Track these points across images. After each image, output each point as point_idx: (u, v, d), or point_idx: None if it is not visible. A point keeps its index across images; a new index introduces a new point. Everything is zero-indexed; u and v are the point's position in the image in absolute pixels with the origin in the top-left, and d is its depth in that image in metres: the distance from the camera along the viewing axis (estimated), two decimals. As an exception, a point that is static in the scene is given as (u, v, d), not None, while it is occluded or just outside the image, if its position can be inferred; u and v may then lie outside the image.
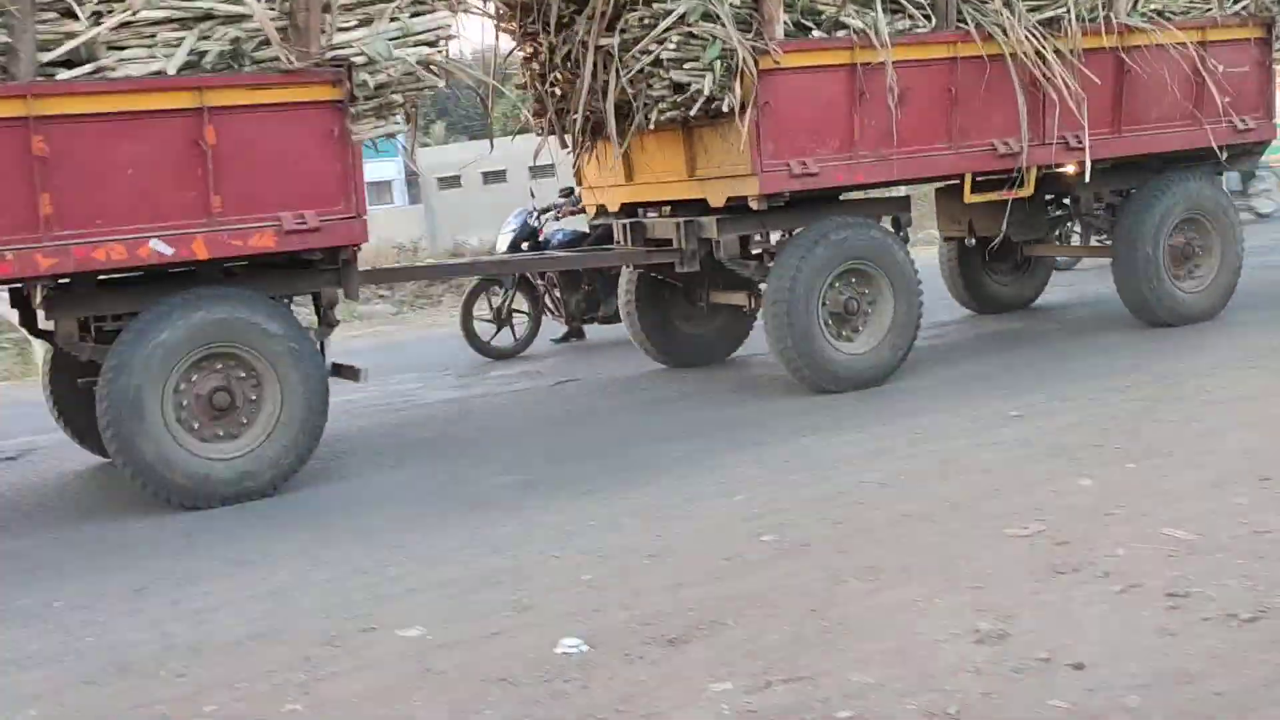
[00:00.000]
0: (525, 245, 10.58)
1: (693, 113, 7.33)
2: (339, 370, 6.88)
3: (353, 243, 6.46)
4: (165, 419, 6.08)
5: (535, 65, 8.55)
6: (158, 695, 3.84)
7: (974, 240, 9.72)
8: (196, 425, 6.21)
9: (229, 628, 4.43)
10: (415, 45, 6.35)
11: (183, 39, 5.87)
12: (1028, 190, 8.35)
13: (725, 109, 7.28)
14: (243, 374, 6.28)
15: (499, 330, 10.72)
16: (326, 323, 6.84)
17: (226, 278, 6.48)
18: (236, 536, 5.72)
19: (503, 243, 10.84)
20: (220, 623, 4.50)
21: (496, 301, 10.66)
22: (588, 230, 10.28)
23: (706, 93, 7.18)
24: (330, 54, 6.15)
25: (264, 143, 6.13)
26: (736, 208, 7.83)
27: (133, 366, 6.00)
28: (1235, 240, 9.10)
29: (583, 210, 9.83)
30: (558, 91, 8.44)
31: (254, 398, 6.32)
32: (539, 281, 10.57)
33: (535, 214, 10.76)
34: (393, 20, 6.28)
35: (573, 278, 10.37)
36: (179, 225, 5.99)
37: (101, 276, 6.30)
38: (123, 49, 5.83)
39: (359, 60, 6.20)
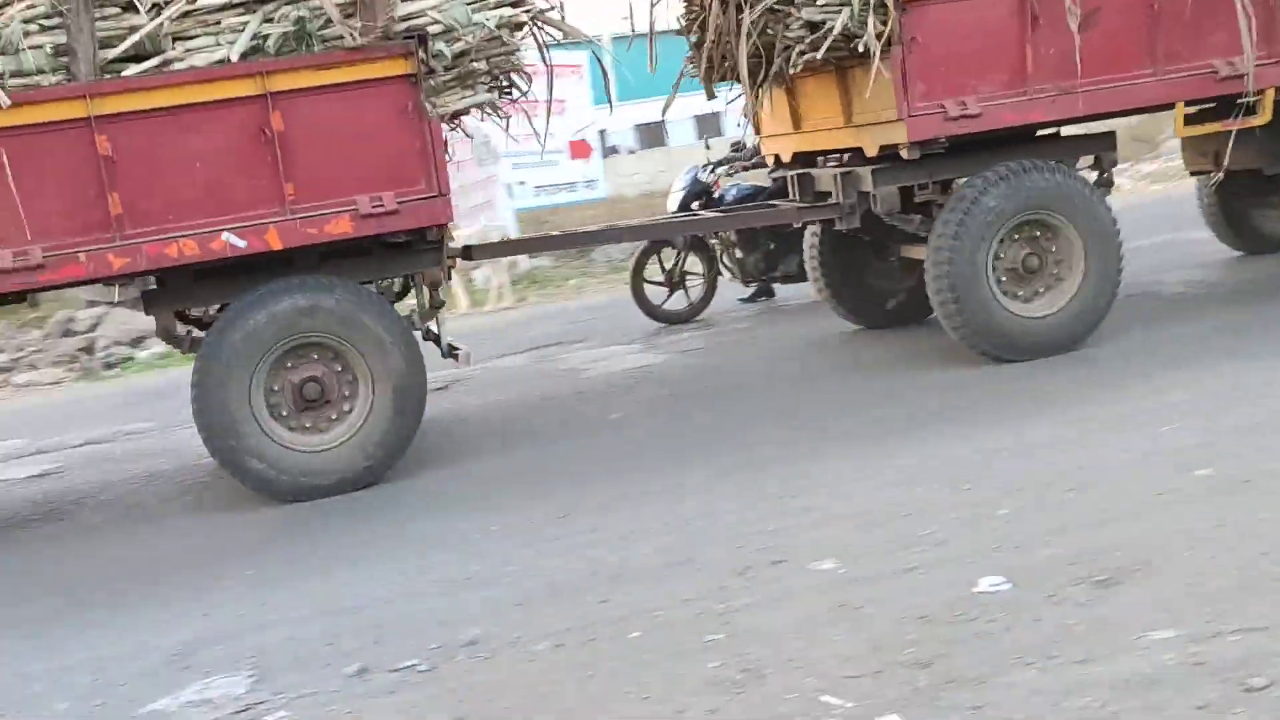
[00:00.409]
0: (696, 204, 9.95)
1: (820, 54, 6.65)
2: (452, 352, 6.80)
3: (434, 223, 6.23)
4: (256, 411, 6.10)
5: (695, 7, 7.94)
6: (586, 618, 4.12)
7: (1222, 175, 7.96)
8: (287, 416, 6.21)
9: (646, 556, 4.67)
10: (496, 7, 6.04)
11: (246, 24, 5.80)
12: (1263, 117, 7.05)
13: (862, 48, 6.56)
14: (336, 364, 6.25)
15: (671, 293, 10.28)
16: (432, 305, 6.70)
17: (324, 263, 6.36)
18: (646, 467, 6.00)
19: (672, 202, 10.22)
20: (638, 550, 4.75)
21: (669, 264, 10.24)
22: (767, 184, 9.67)
23: (838, 30, 6.51)
24: (402, 25, 5.89)
25: (334, 125, 5.99)
26: (898, 155, 7.05)
27: (220, 359, 6.05)
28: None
29: (758, 164, 9.43)
30: (716, 38, 7.69)
31: (347, 388, 6.28)
32: (714, 240, 9.99)
33: (709, 170, 10.13)
34: (468, -17, 5.92)
35: (751, 236, 9.72)
36: (251, 216, 5.94)
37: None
38: (189, 39, 5.76)
39: (434, 29, 5.93)
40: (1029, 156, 7.05)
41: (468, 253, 7.73)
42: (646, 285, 10.19)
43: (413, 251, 6.48)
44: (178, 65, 5.75)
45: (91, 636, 4.60)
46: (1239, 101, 6.97)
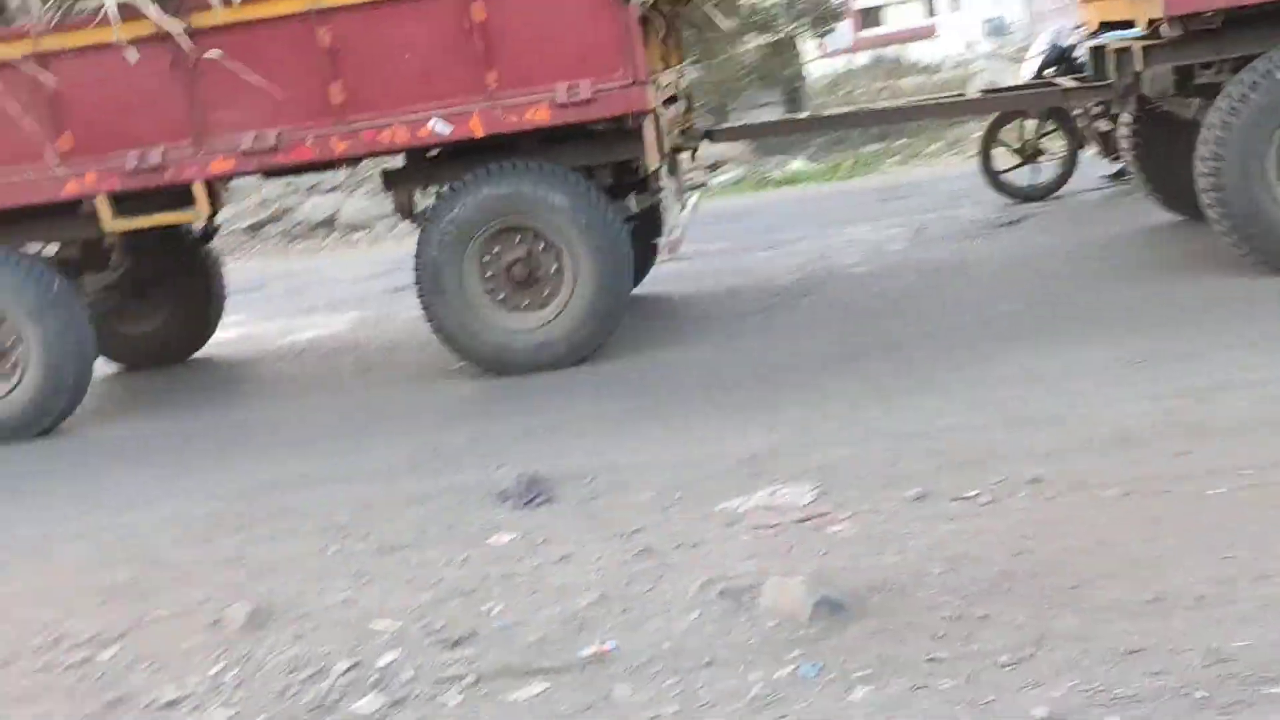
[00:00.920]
0: (1051, 71, 8.78)
1: None
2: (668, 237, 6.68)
3: (630, 111, 6.14)
4: (467, 290, 6.35)
5: None
6: (1159, 469, 3.95)
7: None
8: (502, 296, 6.44)
9: (1233, 409, 4.36)
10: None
11: None
12: None
13: None
14: (542, 247, 6.36)
15: (1022, 166, 9.45)
16: (649, 191, 6.61)
17: (543, 148, 6.43)
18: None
19: (1028, 69, 9.22)
20: (1223, 404, 4.44)
21: (1024, 135, 9.37)
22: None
23: None
24: None
25: (534, 14, 6.08)
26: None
27: (431, 241, 6.35)
28: None
29: None
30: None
31: (555, 270, 6.39)
32: (1077, 110, 8.79)
33: (1072, 32, 8.85)
34: None
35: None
36: (456, 104, 6.16)
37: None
38: None
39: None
40: None
41: (709, 135, 7.81)
42: (998, 156, 9.50)
43: (618, 138, 6.43)
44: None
45: (673, 438, 5.12)
46: None
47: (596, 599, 3.61)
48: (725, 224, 10.28)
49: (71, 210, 6.65)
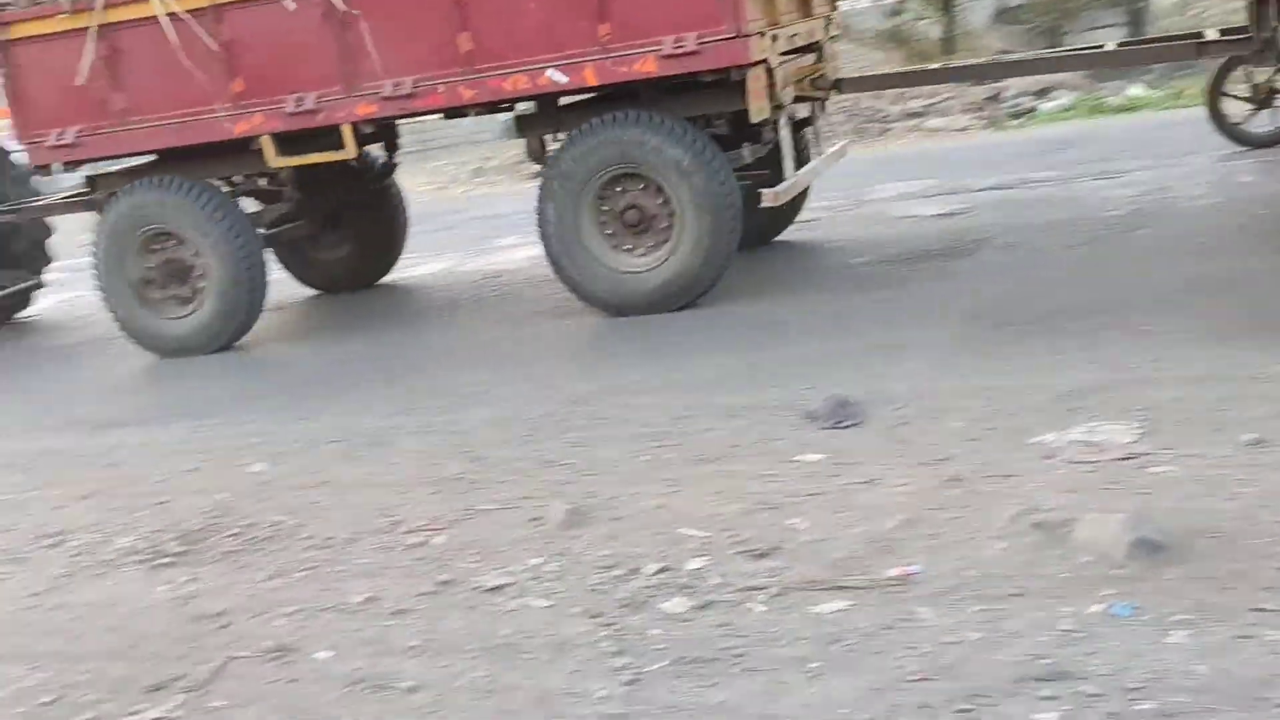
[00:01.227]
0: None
1: None
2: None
3: (733, 63, 6.33)
4: (583, 235, 6.72)
5: None
6: None
7: None
8: (616, 240, 6.77)
9: None
10: None
11: None
12: None
13: None
14: (653, 192, 6.66)
15: (1257, 111, 8.72)
16: (762, 141, 6.85)
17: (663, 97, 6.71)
18: None
19: None
20: None
21: (1258, 78, 8.51)
22: None
23: None
24: None
25: None
26: None
27: (549, 187, 6.78)
28: None
29: None
30: None
31: (665, 215, 6.67)
32: None
33: None
34: None
35: None
36: (571, 55, 6.53)
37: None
38: None
39: None
40: None
41: (838, 85, 7.85)
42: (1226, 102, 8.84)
43: (729, 89, 6.52)
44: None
45: (987, 369, 5.04)
46: None
47: (902, 522, 3.64)
48: (1053, 152, 9.87)
49: (244, 148, 7.27)
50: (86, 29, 7.18)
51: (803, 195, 8.10)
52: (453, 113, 7.40)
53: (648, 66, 6.50)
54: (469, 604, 3.53)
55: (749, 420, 4.82)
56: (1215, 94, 8.97)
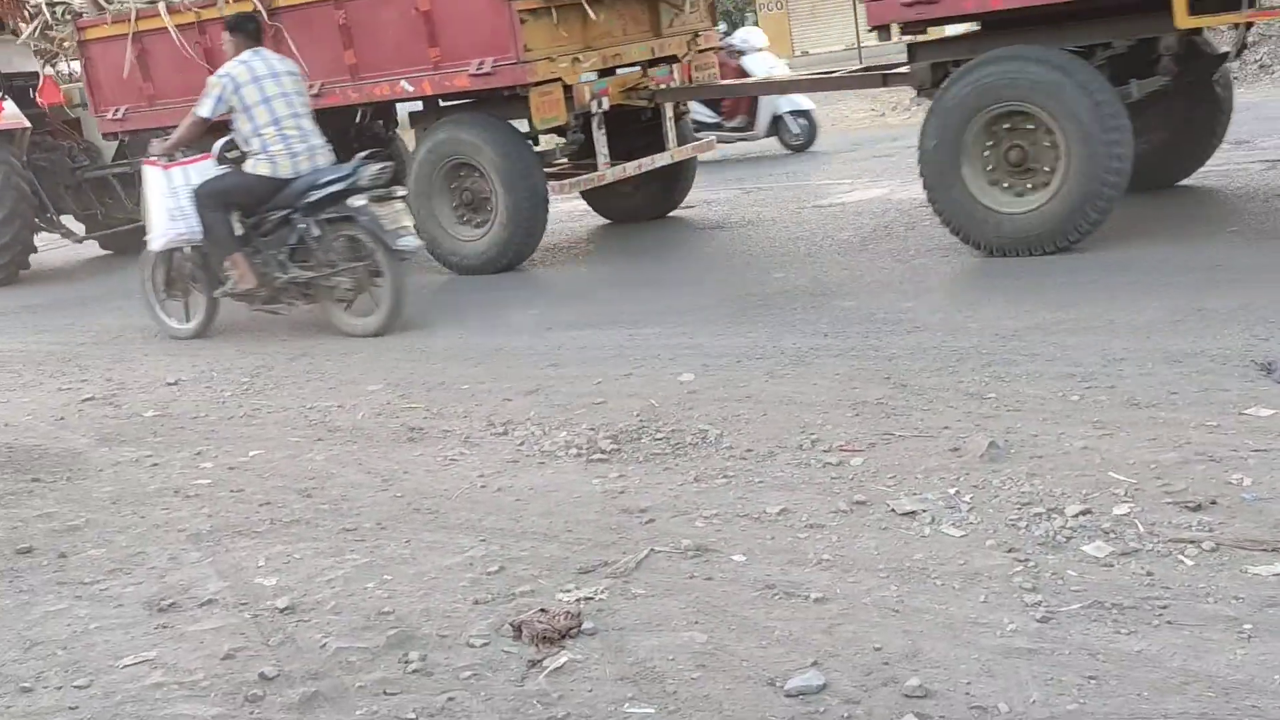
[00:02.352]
0: None
1: None
2: None
3: (518, 82, 7.60)
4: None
5: None
6: None
7: None
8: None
9: None
10: None
11: None
12: None
13: None
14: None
15: None
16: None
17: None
18: None
19: None
20: None
21: None
22: None
23: None
24: None
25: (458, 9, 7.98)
26: None
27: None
28: None
29: None
30: None
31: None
32: None
33: None
34: None
35: None
36: (415, 71, 8.26)
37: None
38: None
39: None
40: None
41: (654, 96, 8.78)
42: None
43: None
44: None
45: None
46: None
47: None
48: None
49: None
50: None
51: (688, 174, 9.82)
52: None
53: (462, 82, 8.17)
54: (882, 525, 3.62)
55: (1192, 367, 4.57)
56: None
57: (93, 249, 12.80)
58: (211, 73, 7.57)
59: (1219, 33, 8.18)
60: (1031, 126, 6.65)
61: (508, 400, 5.41)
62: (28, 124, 11.22)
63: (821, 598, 3.21)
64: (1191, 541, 3.22)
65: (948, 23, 7.55)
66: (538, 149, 8.78)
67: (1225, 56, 7.56)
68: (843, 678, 2.80)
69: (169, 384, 6.53)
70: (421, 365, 6.25)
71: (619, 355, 5.93)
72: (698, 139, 9.76)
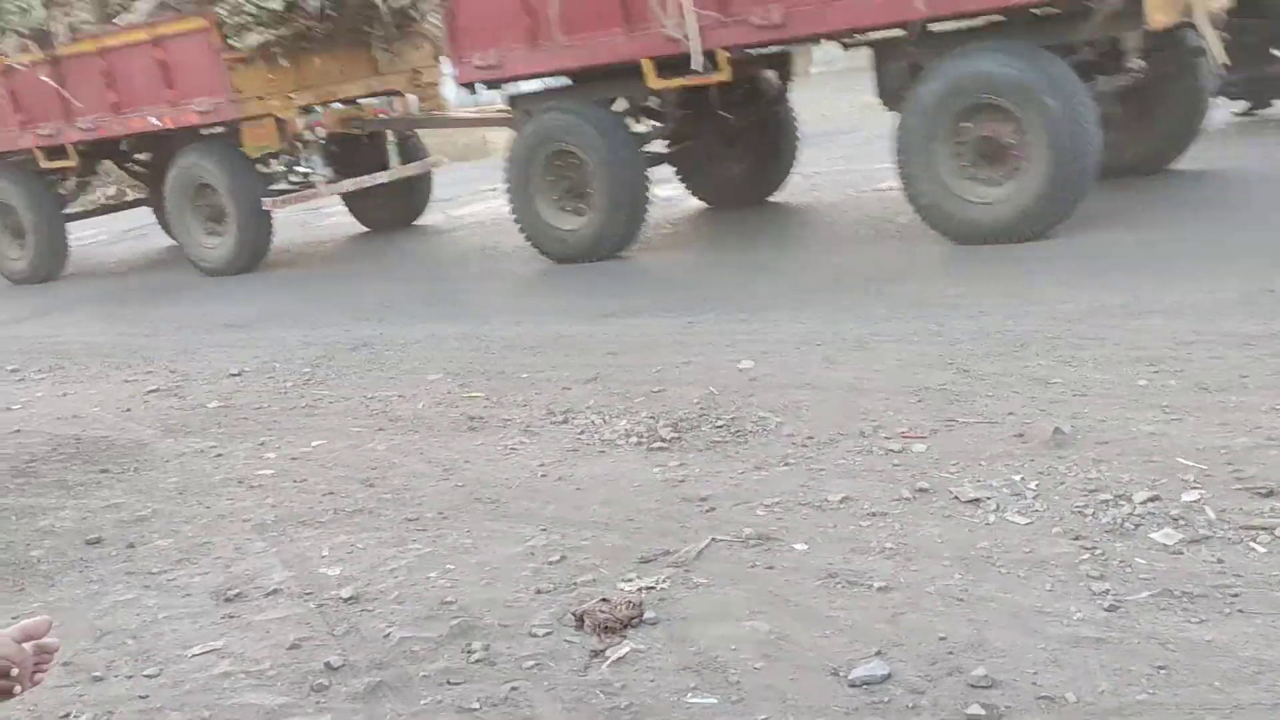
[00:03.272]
0: None
1: None
2: None
3: (230, 119, 8.59)
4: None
5: None
6: None
7: None
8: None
9: None
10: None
11: None
12: None
13: None
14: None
15: None
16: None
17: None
18: None
19: None
20: None
21: None
22: None
23: None
24: None
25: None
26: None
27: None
28: None
29: None
30: None
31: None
32: None
33: None
34: None
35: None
36: (161, 107, 10.00)
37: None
38: None
39: None
40: None
41: (361, 126, 10.15)
42: None
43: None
44: None
45: None
46: None
47: None
48: None
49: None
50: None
51: (424, 187, 11.51)
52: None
53: (192, 118, 9.90)
54: (945, 513, 3.60)
55: (1264, 350, 4.50)
56: None
57: (157, 240, 13.01)
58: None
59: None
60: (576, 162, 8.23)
61: (567, 389, 5.44)
62: None
63: (885, 586, 3.20)
64: (1263, 528, 3.18)
65: (522, 79, 8.95)
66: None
67: (785, 90, 9.31)
68: (907, 667, 2.80)
69: (232, 375, 6.62)
70: (480, 354, 6.30)
71: (677, 343, 5.94)
72: (423, 159, 11.10)
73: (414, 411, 5.47)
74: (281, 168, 10.45)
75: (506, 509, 4.16)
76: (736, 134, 9.25)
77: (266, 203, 9.97)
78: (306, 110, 10.04)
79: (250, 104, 9.61)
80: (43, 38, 10.30)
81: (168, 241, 12.62)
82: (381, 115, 10.55)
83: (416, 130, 11.10)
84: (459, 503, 4.27)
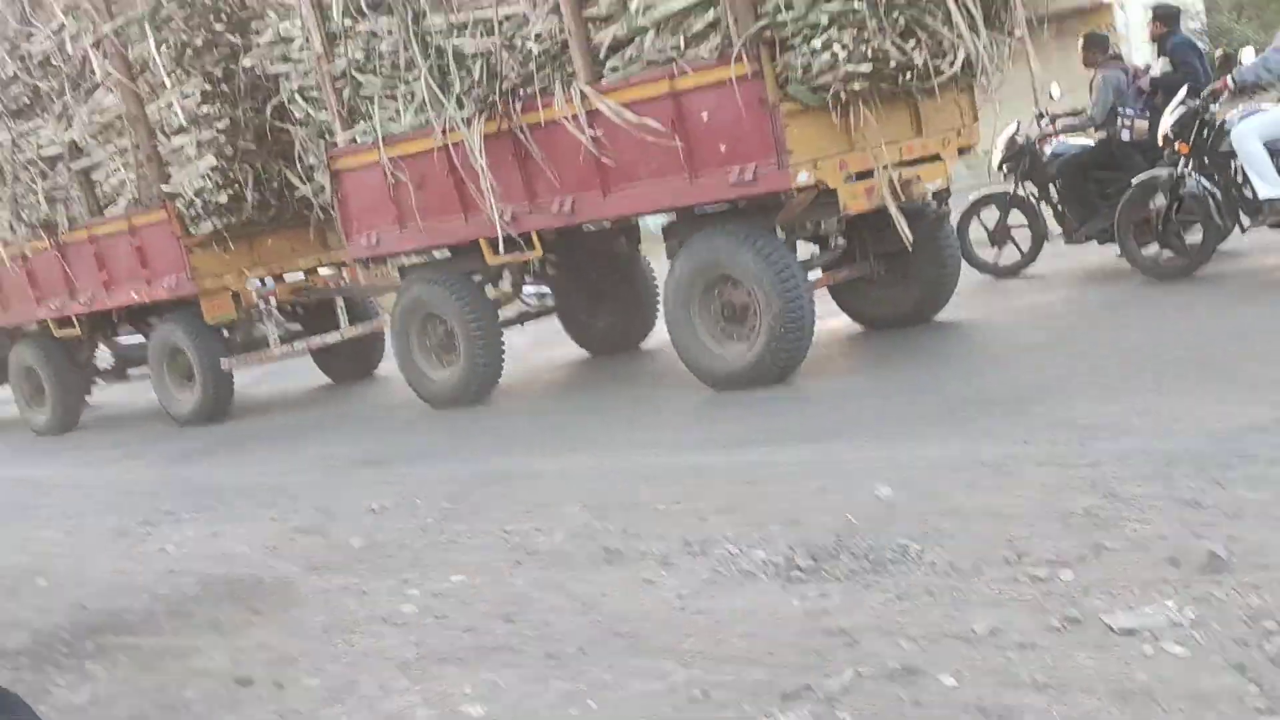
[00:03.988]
0: (1010, 167, 10.71)
1: None
2: None
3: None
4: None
5: None
6: None
7: None
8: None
9: None
10: None
11: None
12: None
13: None
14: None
15: (1000, 247, 10.89)
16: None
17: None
18: None
19: (994, 160, 10.68)
20: None
21: (992, 219, 10.82)
22: (1089, 145, 10.28)
23: None
24: None
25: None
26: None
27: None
28: None
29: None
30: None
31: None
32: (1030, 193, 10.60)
33: (1039, 121, 10.62)
34: None
35: (1073, 189, 10.19)
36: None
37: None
38: None
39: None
40: None
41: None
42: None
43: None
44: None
45: None
46: None
47: None
48: None
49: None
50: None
51: (378, 345, 12.74)
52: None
53: (161, 293, 11.72)
54: (1098, 644, 3.50)
55: None
56: (964, 233, 10.57)
57: (297, 380, 13.48)
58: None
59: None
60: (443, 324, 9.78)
61: (703, 519, 5.45)
62: None
63: (1039, 723, 3.12)
64: None
65: (398, 254, 10.35)
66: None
67: (635, 252, 10.87)
68: (1067, 809, 2.71)
69: (372, 511, 6.78)
70: (615, 485, 6.36)
71: (812, 470, 5.92)
72: (373, 319, 12.49)
73: (551, 544, 5.53)
74: (239, 334, 12.17)
75: (646, 644, 4.16)
76: (601, 291, 10.99)
77: (224, 363, 11.58)
78: (262, 282, 11.92)
79: (208, 280, 11.34)
80: (49, 227, 12.35)
81: (303, 384, 13.13)
82: (328, 285, 12.33)
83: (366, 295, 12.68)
84: (598, 637, 4.29)
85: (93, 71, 11.29)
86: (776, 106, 7.51)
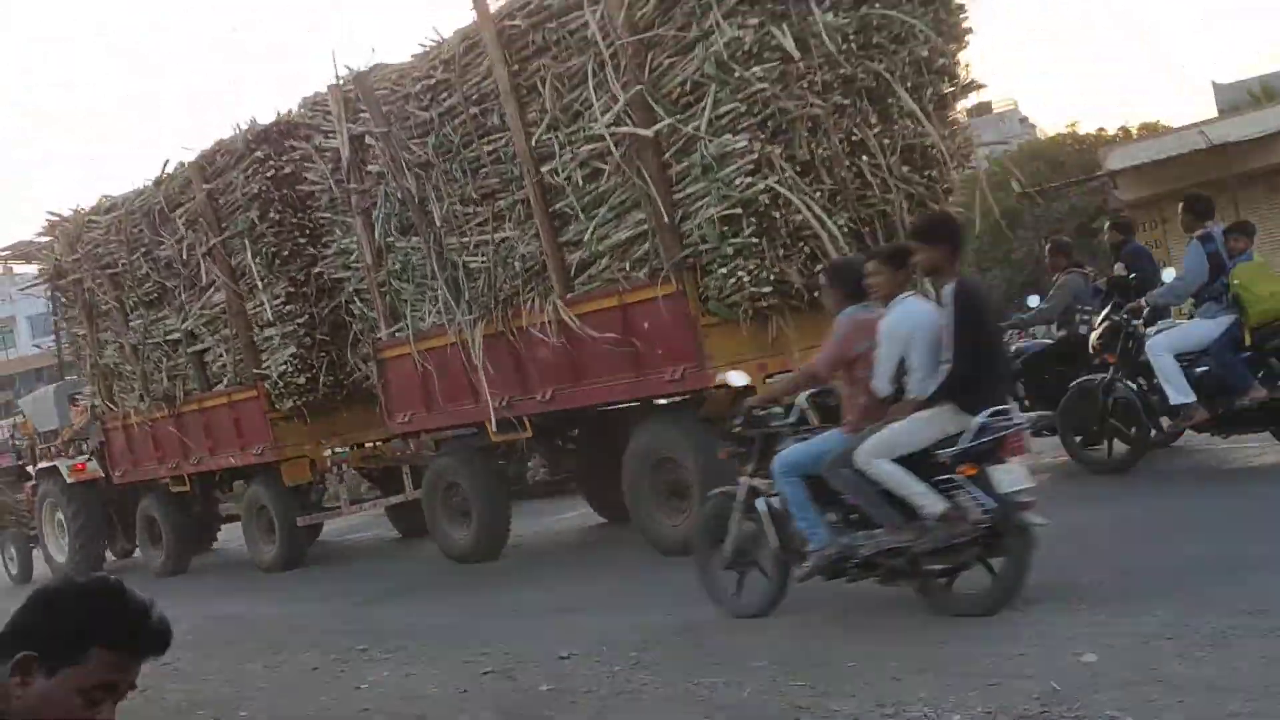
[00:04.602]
0: None
1: None
2: None
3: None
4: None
5: None
6: None
7: None
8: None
9: None
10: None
11: None
12: None
13: None
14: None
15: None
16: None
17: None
18: None
19: None
20: None
21: None
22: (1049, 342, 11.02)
23: None
24: None
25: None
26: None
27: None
28: None
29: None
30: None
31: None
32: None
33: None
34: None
35: (1034, 383, 10.55)
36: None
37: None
38: None
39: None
40: None
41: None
42: None
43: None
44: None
45: None
46: None
47: None
48: None
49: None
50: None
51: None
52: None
53: (250, 459, 13.71)
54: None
55: None
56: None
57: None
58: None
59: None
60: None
61: (897, 679, 5.29)
62: None
63: None
64: None
65: (427, 432, 12.48)
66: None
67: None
68: None
69: (561, 657, 6.80)
70: (807, 640, 6.25)
71: (1012, 633, 5.71)
72: None
73: (738, 699, 5.44)
74: (313, 494, 14.30)
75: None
76: (606, 464, 11.29)
77: (300, 519, 13.56)
78: (336, 451, 13.93)
79: (289, 449, 13.30)
80: (169, 400, 14.46)
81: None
82: (394, 453, 13.91)
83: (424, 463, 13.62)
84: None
85: (205, 274, 13.46)
86: (697, 319, 8.85)
